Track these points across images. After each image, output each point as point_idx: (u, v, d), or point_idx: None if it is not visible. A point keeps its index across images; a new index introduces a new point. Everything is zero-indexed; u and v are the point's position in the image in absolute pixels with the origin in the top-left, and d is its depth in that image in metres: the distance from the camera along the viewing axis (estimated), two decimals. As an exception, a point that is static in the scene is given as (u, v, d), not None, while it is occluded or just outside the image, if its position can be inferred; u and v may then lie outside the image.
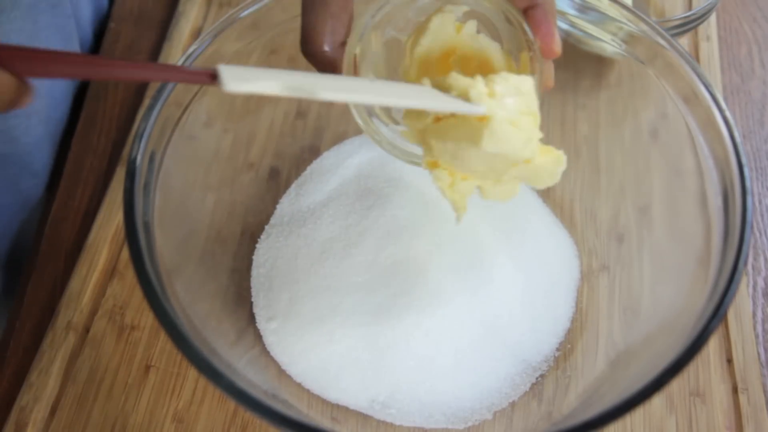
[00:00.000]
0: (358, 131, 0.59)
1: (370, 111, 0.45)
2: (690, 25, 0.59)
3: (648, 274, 0.50)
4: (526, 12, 0.39)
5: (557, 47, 0.38)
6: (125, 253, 0.55)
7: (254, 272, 0.53)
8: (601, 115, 0.56)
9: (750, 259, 0.57)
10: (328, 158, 0.58)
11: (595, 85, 0.55)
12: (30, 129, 0.58)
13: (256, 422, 0.49)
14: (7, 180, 0.60)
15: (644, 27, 0.47)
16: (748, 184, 0.41)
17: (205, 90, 0.46)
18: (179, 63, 0.45)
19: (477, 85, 0.35)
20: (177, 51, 0.64)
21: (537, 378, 0.49)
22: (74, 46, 0.63)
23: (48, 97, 0.60)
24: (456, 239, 0.52)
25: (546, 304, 0.51)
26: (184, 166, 0.47)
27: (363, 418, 0.48)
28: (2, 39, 0.52)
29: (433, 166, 0.40)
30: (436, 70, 0.42)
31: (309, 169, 0.58)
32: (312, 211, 0.54)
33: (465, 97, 0.35)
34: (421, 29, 0.42)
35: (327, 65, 0.39)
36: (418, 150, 0.44)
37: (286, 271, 0.52)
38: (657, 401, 0.50)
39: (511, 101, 0.36)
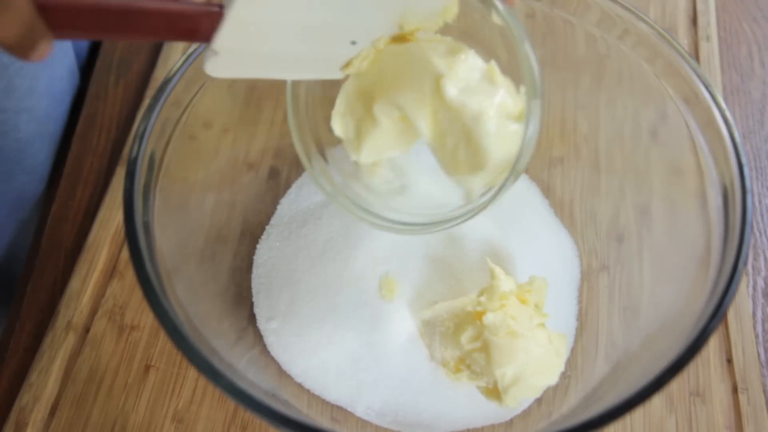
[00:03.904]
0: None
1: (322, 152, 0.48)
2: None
3: (648, 274, 0.50)
4: None
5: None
6: (125, 253, 0.55)
7: (254, 272, 0.53)
8: (601, 115, 0.56)
9: (750, 259, 0.57)
10: (328, 158, 0.58)
11: (595, 85, 0.55)
12: (20, 125, 0.58)
13: (256, 422, 0.49)
14: None
15: (644, 27, 0.47)
16: (748, 184, 0.41)
17: (205, 90, 0.46)
18: (179, 63, 0.45)
19: None
20: (177, 51, 0.64)
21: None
22: (69, 48, 0.63)
23: (46, 96, 0.60)
24: (457, 240, 0.52)
25: (549, 305, 0.51)
26: (184, 166, 0.47)
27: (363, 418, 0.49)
28: None
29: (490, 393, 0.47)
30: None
31: (309, 169, 0.57)
32: (312, 212, 0.54)
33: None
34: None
35: None
36: (375, 207, 0.47)
37: (287, 271, 0.52)
38: (657, 401, 0.50)
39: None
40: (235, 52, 0.38)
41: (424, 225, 0.45)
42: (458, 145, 0.41)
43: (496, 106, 0.40)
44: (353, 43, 0.41)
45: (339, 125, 0.44)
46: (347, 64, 0.42)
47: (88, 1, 0.32)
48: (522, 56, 0.39)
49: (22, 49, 0.31)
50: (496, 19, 0.40)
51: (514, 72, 0.41)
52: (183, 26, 0.35)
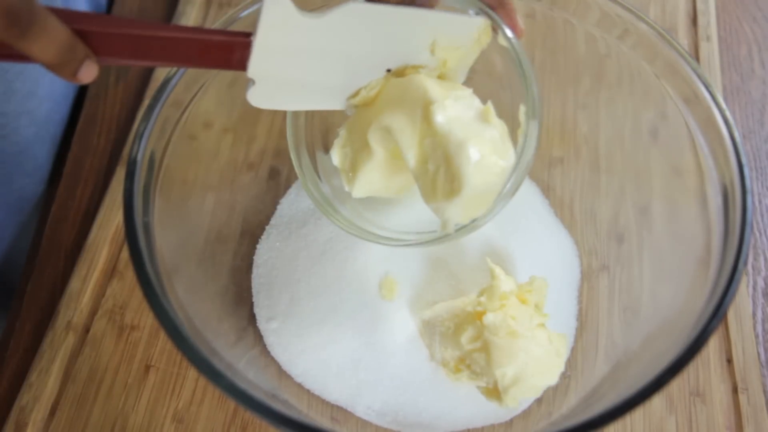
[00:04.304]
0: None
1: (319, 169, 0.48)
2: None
3: (648, 274, 0.50)
4: (494, 8, 0.43)
5: (521, 30, 0.43)
6: (125, 253, 0.55)
7: (254, 272, 0.53)
8: (601, 115, 0.56)
9: (750, 259, 0.57)
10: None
11: (595, 85, 0.55)
12: (20, 129, 0.58)
13: (256, 422, 0.49)
14: None
15: (644, 27, 0.47)
16: (748, 184, 0.41)
17: (205, 90, 0.46)
18: None
19: None
20: (177, 51, 0.64)
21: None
22: None
23: (46, 100, 0.60)
24: (458, 241, 0.52)
25: (549, 305, 0.51)
26: (184, 166, 0.47)
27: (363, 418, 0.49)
28: None
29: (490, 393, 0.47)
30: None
31: (309, 169, 0.58)
32: (312, 212, 0.54)
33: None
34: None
35: None
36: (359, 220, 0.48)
37: (287, 271, 0.52)
38: (657, 401, 0.50)
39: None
40: (273, 81, 0.38)
41: (406, 241, 0.46)
42: (438, 170, 0.41)
43: (483, 139, 0.40)
44: (389, 71, 0.42)
45: (338, 156, 0.45)
46: (354, 94, 0.42)
47: (122, 31, 0.33)
48: (524, 79, 0.41)
49: (67, 69, 0.33)
50: (502, 41, 0.42)
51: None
52: (216, 55, 0.36)
